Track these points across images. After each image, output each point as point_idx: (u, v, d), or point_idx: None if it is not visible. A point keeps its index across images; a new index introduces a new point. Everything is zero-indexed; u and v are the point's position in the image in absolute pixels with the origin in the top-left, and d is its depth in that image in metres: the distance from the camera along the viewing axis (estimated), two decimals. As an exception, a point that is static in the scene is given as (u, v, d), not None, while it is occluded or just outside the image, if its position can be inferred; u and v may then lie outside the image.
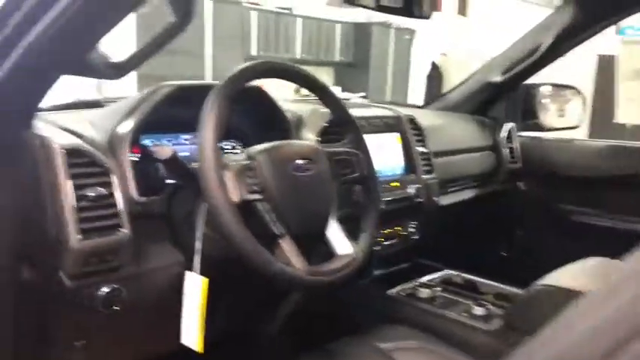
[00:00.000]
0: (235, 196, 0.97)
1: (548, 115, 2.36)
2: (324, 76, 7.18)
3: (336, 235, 1.11)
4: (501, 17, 11.88)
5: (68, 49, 0.93)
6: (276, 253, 1.00)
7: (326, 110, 1.45)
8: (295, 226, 1.04)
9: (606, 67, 7.29)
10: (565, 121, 2.44)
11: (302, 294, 1.45)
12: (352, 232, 1.15)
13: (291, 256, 1.00)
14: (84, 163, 0.99)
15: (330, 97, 1.17)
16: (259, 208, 1.00)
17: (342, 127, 1.20)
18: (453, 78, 9.65)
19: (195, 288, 1.07)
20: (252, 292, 1.36)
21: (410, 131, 1.65)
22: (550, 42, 1.87)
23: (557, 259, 2.09)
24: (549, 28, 1.89)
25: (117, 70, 0.97)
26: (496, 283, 1.56)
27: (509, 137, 2.13)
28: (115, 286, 1.02)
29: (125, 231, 1.01)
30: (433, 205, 1.65)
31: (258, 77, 1.08)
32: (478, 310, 1.35)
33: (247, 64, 1.06)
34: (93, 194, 0.97)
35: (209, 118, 0.96)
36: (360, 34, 8.15)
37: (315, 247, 1.12)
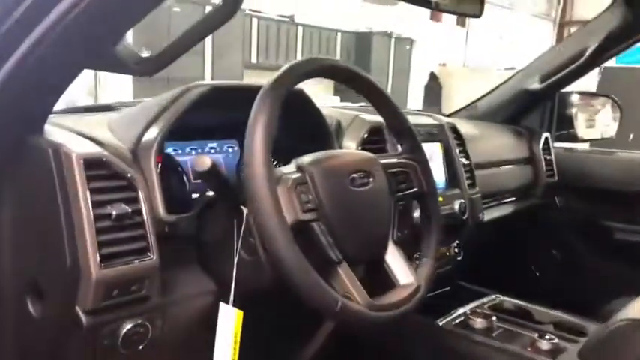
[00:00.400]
0: (290, 216, 0.82)
1: (577, 126, 2.24)
2: (324, 84, 7.07)
3: (396, 261, 0.95)
4: (500, 28, 11.86)
5: (91, 40, 0.77)
6: (333, 284, 0.85)
7: (368, 118, 1.30)
8: (353, 250, 0.88)
9: (610, 79, 7.18)
10: (595, 132, 2.32)
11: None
12: (410, 256, 0.99)
13: (351, 286, 0.85)
14: (106, 176, 0.83)
15: (385, 102, 1.01)
16: (315, 229, 0.84)
17: (397, 135, 1.05)
18: (452, 88, 9.57)
19: (229, 323, 0.92)
20: (286, 317, 1.20)
21: (452, 141, 1.50)
22: (596, 46, 1.73)
23: (600, 280, 1.96)
24: (595, 31, 1.75)
25: (148, 66, 0.81)
26: (552, 311, 1.40)
27: (545, 148, 1.99)
28: (140, 321, 0.86)
29: (153, 256, 0.85)
30: (477, 223, 1.50)
31: (308, 77, 0.92)
32: (544, 344, 1.19)
33: (296, 61, 0.90)
34: (116, 213, 0.81)
35: (259, 124, 0.81)
36: (360, 43, 8.06)
37: (372, 275, 0.96)
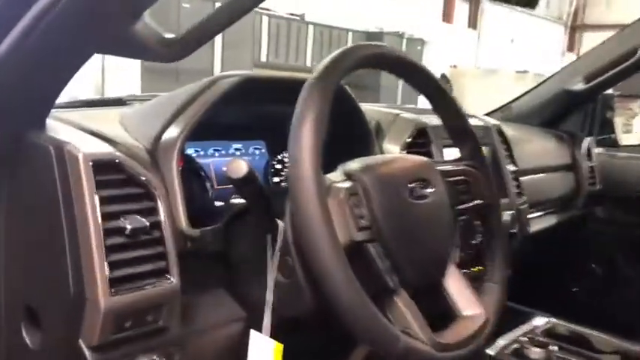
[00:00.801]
0: (343, 235, 0.67)
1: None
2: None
3: (458, 286, 0.81)
4: (511, 31, 11.71)
5: (104, 16, 0.63)
6: (389, 316, 0.70)
7: (411, 117, 1.16)
8: (410, 275, 0.74)
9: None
10: (633, 137, 2.17)
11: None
12: (473, 280, 0.85)
13: (412, 320, 0.70)
14: (119, 181, 0.68)
15: (445, 98, 0.87)
16: (371, 252, 0.70)
17: (456, 137, 0.90)
18: (464, 90, 9.43)
19: (263, 355, 0.77)
20: (317, 341, 1.06)
21: (499, 144, 1.35)
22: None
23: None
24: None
25: (172, 49, 0.67)
26: (611, 337, 1.25)
27: (587, 154, 1.84)
28: (155, 357, 0.71)
29: (173, 279, 0.70)
30: (525, 236, 1.36)
31: (360, 66, 0.77)
32: (614, 380, 1.05)
33: (347, 48, 0.75)
34: (131, 226, 0.67)
35: (307, 120, 0.66)
36: (372, 43, 7.93)
37: (429, 304, 0.82)
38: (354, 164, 0.77)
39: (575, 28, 13.67)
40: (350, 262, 0.65)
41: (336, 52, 0.74)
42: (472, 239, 0.94)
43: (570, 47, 13.88)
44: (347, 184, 0.72)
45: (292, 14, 6.93)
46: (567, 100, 1.85)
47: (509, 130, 1.51)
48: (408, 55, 0.84)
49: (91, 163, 0.66)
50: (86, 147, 0.68)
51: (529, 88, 1.99)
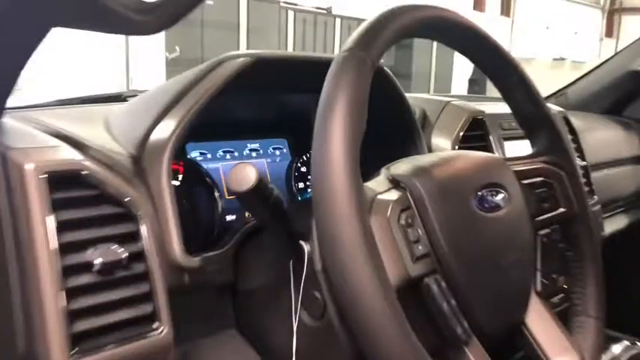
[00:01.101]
0: (395, 269, 0.48)
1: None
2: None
3: (544, 325, 0.61)
4: (546, 17, 11.31)
5: None
6: None
7: (463, 105, 0.96)
8: (485, 317, 0.54)
9: None
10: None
11: None
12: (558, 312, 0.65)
13: None
14: (87, 199, 0.51)
15: (519, 80, 0.66)
16: (432, 289, 0.50)
17: (531, 127, 0.70)
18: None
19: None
20: None
21: (567, 136, 1.14)
22: None
23: None
24: None
25: (151, 17, 0.49)
26: None
27: (659, 145, 1.61)
28: None
29: (163, 328, 0.52)
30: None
31: (411, 35, 0.58)
32: None
33: (392, 8, 0.55)
34: (101, 260, 0.49)
35: (340, 103, 0.47)
36: (401, 35, 7.71)
37: (506, 350, 0.62)
38: (402, 166, 0.57)
39: (613, 12, 13.12)
40: (403, 306, 0.46)
41: (376, 15, 0.55)
42: (556, 259, 0.73)
43: (608, 32, 13.32)
44: (395, 195, 0.53)
45: (319, 8, 6.74)
46: (634, 82, 1.62)
47: (573, 119, 1.29)
48: (474, 23, 0.64)
49: (44, 176, 0.48)
50: (42, 154, 0.51)
51: (587, 71, 1.77)
